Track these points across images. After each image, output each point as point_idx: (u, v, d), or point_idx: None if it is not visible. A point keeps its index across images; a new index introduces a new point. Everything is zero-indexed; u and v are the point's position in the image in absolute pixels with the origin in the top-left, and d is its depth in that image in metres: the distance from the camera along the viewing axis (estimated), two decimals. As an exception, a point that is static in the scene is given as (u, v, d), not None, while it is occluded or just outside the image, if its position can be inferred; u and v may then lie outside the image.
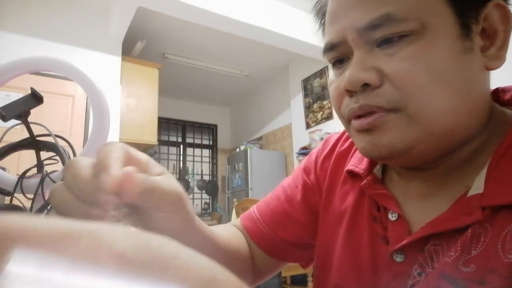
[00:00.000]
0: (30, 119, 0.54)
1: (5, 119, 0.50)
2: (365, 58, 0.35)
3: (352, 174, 0.47)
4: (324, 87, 3.89)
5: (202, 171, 5.68)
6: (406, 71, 0.33)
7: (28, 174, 0.54)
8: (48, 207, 0.48)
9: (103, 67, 3.04)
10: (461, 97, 0.34)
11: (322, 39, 0.43)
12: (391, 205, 0.40)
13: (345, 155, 0.51)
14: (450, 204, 0.35)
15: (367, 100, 0.35)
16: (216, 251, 0.41)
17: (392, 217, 0.40)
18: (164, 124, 5.32)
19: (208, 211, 5.21)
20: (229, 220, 3.78)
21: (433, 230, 0.35)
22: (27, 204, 0.52)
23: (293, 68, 4.47)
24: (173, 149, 5.54)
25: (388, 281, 0.38)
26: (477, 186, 0.34)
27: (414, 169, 0.40)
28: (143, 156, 0.30)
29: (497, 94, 0.41)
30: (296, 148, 4.18)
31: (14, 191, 0.52)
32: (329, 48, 0.39)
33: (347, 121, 0.39)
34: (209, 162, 5.82)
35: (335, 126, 3.58)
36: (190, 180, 5.36)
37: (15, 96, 0.73)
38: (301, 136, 4.16)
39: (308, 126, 4.08)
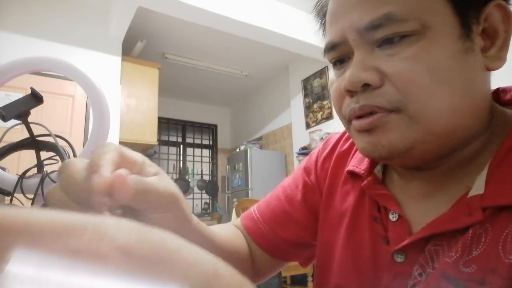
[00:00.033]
0: (30, 119, 0.54)
1: (5, 119, 0.50)
2: (365, 58, 0.35)
3: (352, 174, 0.47)
4: (324, 87, 3.89)
5: (202, 171, 5.68)
6: (406, 71, 0.33)
7: (28, 174, 0.54)
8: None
9: (103, 67, 3.04)
10: (462, 97, 0.34)
11: (322, 39, 0.43)
12: (392, 205, 0.40)
13: (345, 155, 0.51)
14: (450, 205, 0.35)
15: (368, 100, 0.35)
16: (215, 251, 0.41)
17: (392, 217, 0.40)
18: (164, 124, 5.32)
19: (208, 211, 5.21)
20: (229, 220, 3.78)
21: (433, 230, 0.35)
22: (27, 204, 0.52)
23: (293, 68, 4.46)
24: (173, 149, 5.54)
25: (389, 281, 0.37)
26: (478, 186, 0.34)
27: (414, 169, 0.40)
28: (138, 157, 0.30)
29: (498, 94, 0.41)
30: (296, 148, 4.18)
31: (14, 191, 0.52)
32: (330, 48, 0.39)
33: (347, 121, 0.39)
34: (209, 162, 5.82)
35: (335, 126, 3.58)
36: (190, 180, 5.36)
37: (15, 96, 0.73)
38: (301, 136, 4.16)
39: (308, 126, 4.07)
